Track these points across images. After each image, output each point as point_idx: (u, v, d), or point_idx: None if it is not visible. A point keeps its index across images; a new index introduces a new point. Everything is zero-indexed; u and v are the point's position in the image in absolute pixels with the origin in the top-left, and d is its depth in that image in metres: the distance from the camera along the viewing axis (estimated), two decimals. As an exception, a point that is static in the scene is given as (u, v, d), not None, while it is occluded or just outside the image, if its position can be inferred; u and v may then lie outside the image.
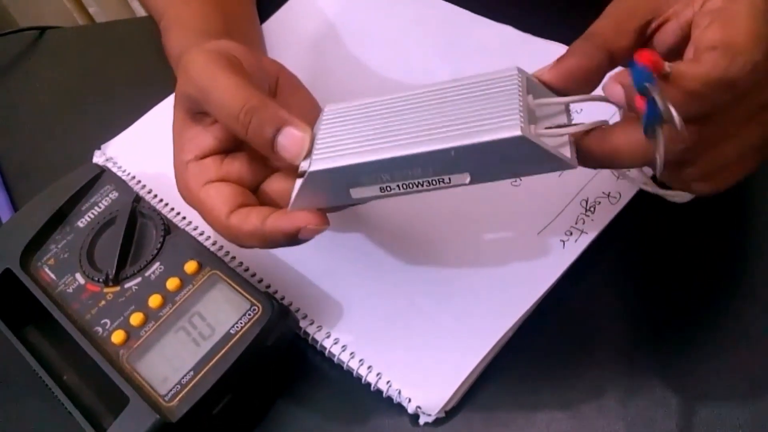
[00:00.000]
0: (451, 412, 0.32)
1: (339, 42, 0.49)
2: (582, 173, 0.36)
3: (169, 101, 0.49)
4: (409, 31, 0.48)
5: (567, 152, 0.27)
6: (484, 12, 0.47)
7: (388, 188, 0.29)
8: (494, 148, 0.26)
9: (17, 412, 0.36)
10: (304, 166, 0.29)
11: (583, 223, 0.36)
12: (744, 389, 0.30)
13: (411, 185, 0.28)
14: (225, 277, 0.34)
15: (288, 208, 0.30)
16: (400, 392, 0.32)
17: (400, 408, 0.32)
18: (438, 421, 0.32)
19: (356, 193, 0.29)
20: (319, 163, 0.28)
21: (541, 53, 0.43)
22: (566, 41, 0.43)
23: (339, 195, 0.29)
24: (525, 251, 0.35)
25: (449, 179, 0.28)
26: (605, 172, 0.37)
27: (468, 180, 0.28)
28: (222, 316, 0.33)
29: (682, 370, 0.31)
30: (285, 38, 0.51)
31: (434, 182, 0.28)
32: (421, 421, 0.32)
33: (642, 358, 0.32)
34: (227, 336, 0.32)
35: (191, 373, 0.32)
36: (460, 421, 0.32)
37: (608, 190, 0.36)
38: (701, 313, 0.33)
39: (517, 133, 0.26)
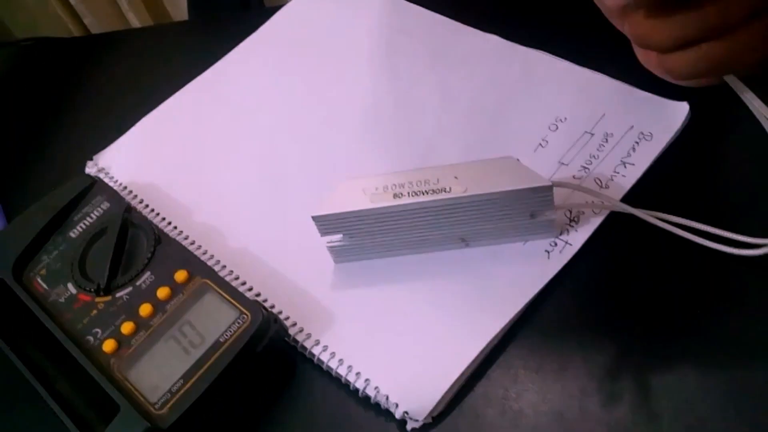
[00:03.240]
0: (438, 418, 0.32)
1: (325, 52, 0.50)
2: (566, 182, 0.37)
3: (161, 110, 0.50)
4: (396, 41, 0.49)
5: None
6: (471, 21, 0.48)
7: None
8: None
9: (9, 422, 0.37)
10: None
11: (568, 233, 0.36)
12: (726, 394, 0.30)
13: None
14: (214, 286, 0.35)
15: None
16: (387, 398, 0.33)
17: (388, 414, 0.33)
18: (425, 427, 0.32)
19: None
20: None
21: (528, 62, 0.44)
22: (553, 50, 0.44)
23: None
24: (511, 261, 0.36)
25: (449, 188, 0.34)
26: (587, 183, 0.38)
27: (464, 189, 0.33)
28: (211, 324, 0.33)
29: (666, 375, 0.31)
30: (272, 49, 0.51)
31: (438, 191, 0.34)
32: (409, 426, 0.32)
33: (625, 363, 0.32)
34: (217, 344, 0.33)
35: (181, 381, 0.32)
36: (447, 427, 0.32)
37: (591, 200, 0.37)
38: (685, 318, 0.33)
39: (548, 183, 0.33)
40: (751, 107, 0.32)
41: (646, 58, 0.30)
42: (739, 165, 0.38)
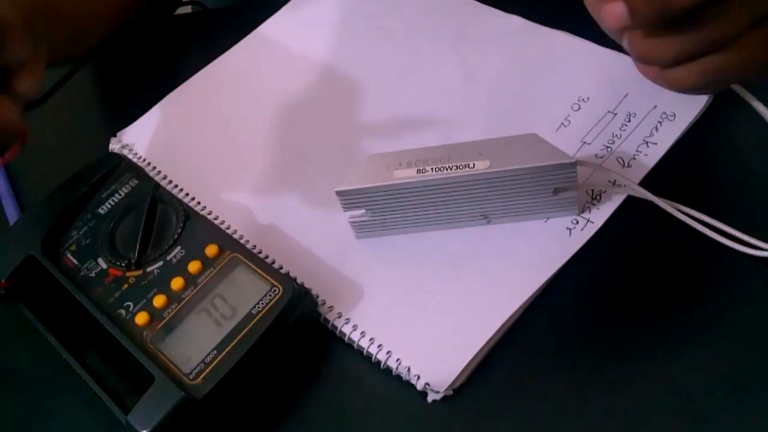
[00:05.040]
0: (458, 390, 0.33)
1: (349, 32, 0.50)
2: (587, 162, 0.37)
3: (185, 88, 0.50)
4: (418, 21, 0.49)
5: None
6: (494, 2, 0.48)
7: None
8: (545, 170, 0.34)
9: (42, 394, 0.37)
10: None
11: (589, 211, 0.37)
12: (728, 385, 0.31)
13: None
14: (245, 260, 0.35)
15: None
16: (409, 369, 0.33)
17: (409, 387, 0.33)
18: (446, 399, 0.33)
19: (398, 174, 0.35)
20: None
21: (550, 42, 0.45)
22: (573, 30, 0.44)
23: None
24: (533, 238, 0.37)
25: (473, 164, 0.34)
26: (609, 162, 0.38)
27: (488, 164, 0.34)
28: (243, 297, 0.34)
29: (676, 364, 0.32)
30: (297, 27, 0.52)
31: (461, 166, 0.34)
32: (429, 398, 0.33)
33: (636, 349, 0.33)
34: (249, 316, 0.33)
35: (214, 352, 0.33)
36: (468, 399, 0.33)
37: (613, 179, 0.37)
38: (688, 309, 0.33)
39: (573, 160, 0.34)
40: (760, 113, 0.33)
41: (646, 71, 0.31)
42: (750, 162, 0.38)
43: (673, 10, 0.27)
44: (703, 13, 0.27)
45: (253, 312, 0.33)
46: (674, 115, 0.39)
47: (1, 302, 0.38)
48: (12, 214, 0.46)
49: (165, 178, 0.45)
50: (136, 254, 0.37)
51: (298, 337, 0.35)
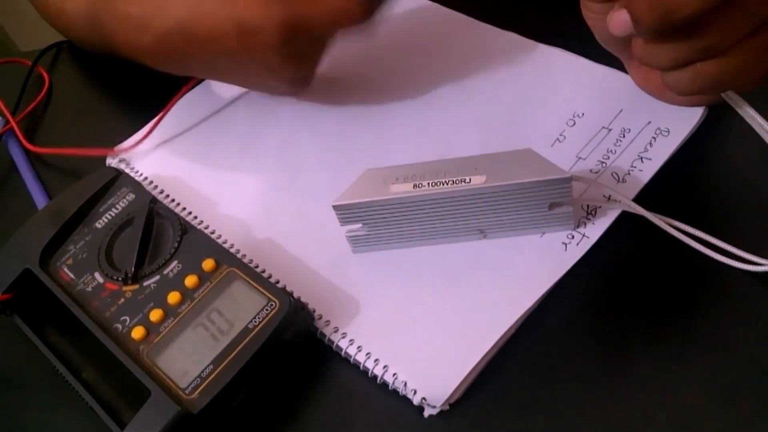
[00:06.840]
0: (455, 405, 0.33)
1: (346, 48, 0.50)
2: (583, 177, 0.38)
3: (182, 104, 0.50)
4: (414, 39, 0.49)
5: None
6: (488, 18, 0.49)
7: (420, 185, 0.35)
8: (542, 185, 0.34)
9: (38, 408, 0.37)
10: None
11: (585, 226, 0.37)
12: (724, 401, 0.31)
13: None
14: (242, 274, 0.36)
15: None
16: (406, 384, 0.33)
17: (406, 401, 0.33)
18: (442, 414, 0.33)
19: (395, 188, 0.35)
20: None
21: (545, 58, 0.45)
22: (568, 47, 0.45)
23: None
24: (529, 252, 0.37)
25: (469, 179, 0.34)
26: (604, 177, 0.39)
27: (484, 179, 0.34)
28: (240, 311, 0.34)
29: (667, 377, 0.32)
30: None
31: (458, 181, 0.35)
32: (426, 413, 0.33)
33: (630, 363, 0.33)
34: (245, 330, 0.33)
35: (211, 366, 0.33)
36: (464, 414, 0.33)
37: (608, 194, 0.38)
38: (683, 324, 0.34)
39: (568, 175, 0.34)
40: (751, 122, 0.33)
41: (645, 84, 0.32)
42: (745, 177, 0.39)
43: (675, 19, 0.27)
44: (701, 20, 0.28)
45: (250, 326, 0.33)
46: (668, 130, 0.40)
47: (-2, 316, 0.38)
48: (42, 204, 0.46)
49: (162, 192, 0.45)
50: (133, 268, 0.37)
51: (295, 351, 0.35)
